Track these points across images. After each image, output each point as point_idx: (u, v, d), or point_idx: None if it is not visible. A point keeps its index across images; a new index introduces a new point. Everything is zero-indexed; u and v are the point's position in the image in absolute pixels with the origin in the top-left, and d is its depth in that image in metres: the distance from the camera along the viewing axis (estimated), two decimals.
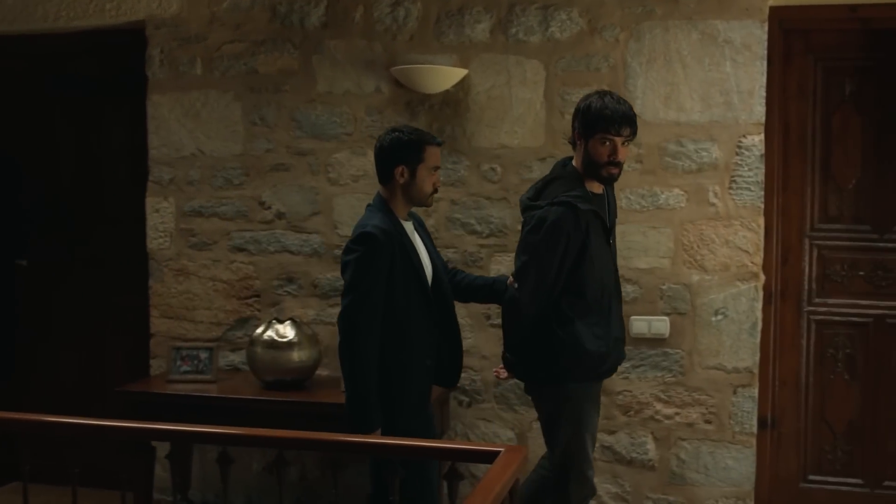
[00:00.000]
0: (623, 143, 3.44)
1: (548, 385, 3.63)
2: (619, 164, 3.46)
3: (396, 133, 3.48)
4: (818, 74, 4.43)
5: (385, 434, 3.39)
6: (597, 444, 4.43)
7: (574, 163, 3.58)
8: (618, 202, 4.34)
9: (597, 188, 3.55)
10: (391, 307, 3.41)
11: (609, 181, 3.53)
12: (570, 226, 3.39)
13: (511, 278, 3.61)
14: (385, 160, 3.49)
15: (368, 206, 3.60)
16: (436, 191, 3.53)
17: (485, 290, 3.81)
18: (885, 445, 4.46)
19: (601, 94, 3.49)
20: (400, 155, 3.44)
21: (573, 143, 3.59)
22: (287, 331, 4.40)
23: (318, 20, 4.67)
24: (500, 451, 3.00)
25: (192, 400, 4.41)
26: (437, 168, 3.51)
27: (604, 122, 3.39)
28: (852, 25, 4.35)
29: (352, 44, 4.62)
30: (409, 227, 3.54)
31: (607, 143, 3.41)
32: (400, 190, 3.47)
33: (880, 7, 4.28)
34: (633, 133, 3.46)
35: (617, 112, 3.39)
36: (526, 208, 3.59)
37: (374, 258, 3.36)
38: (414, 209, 3.64)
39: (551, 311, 3.48)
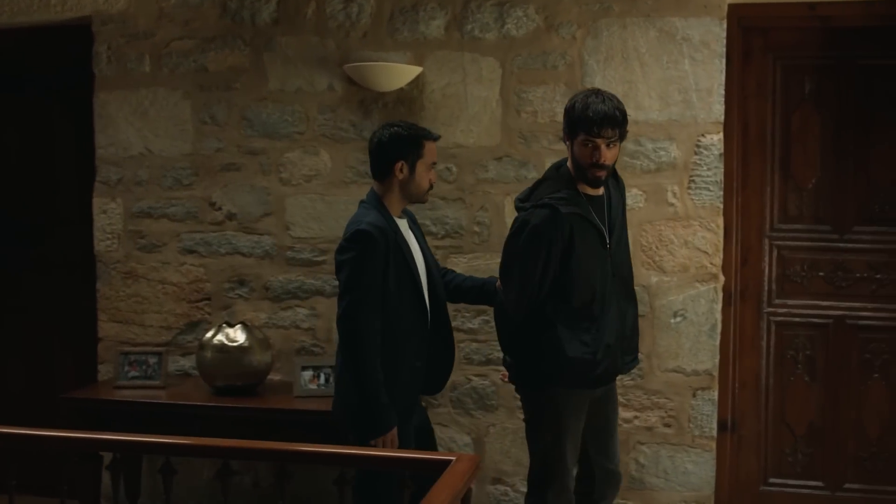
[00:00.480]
0: (608, 145, 3.31)
1: (532, 389, 3.55)
2: (603, 167, 3.34)
3: (395, 128, 3.43)
4: (777, 73, 4.40)
5: None
6: None
7: (568, 164, 3.49)
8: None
9: (591, 190, 3.43)
10: (384, 306, 3.36)
11: (595, 184, 3.40)
12: (552, 229, 3.31)
13: (499, 281, 3.56)
14: (383, 156, 3.43)
15: (362, 202, 3.53)
16: (431, 187, 3.49)
17: (475, 292, 3.74)
18: (846, 447, 4.43)
19: (587, 93, 3.37)
20: (400, 150, 3.39)
21: (565, 143, 3.50)
22: (238, 335, 4.31)
23: (269, 16, 4.57)
24: (451, 461, 2.92)
25: (140, 406, 4.31)
26: (434, 164, 3.47)
27: (585, 123, 3.29)
28: (811, 24, 4.32)
29: (304, 41, 4.53)
30: (403, 224, 3.50)
31: (589, 144, 3.31)
32: (398, 186, 3.43)
33: (839, 5, 4.25)
34: (620, 134, 3.33)
35: (598, 113, 3.26)
36: (517, 210, 3.52)
37: (370, 256, 3.31)
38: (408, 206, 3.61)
39: (536, 314, 3.40)
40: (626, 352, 3.54)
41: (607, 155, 3.33)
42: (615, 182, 3.56)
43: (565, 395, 3.45)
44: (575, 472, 3.60)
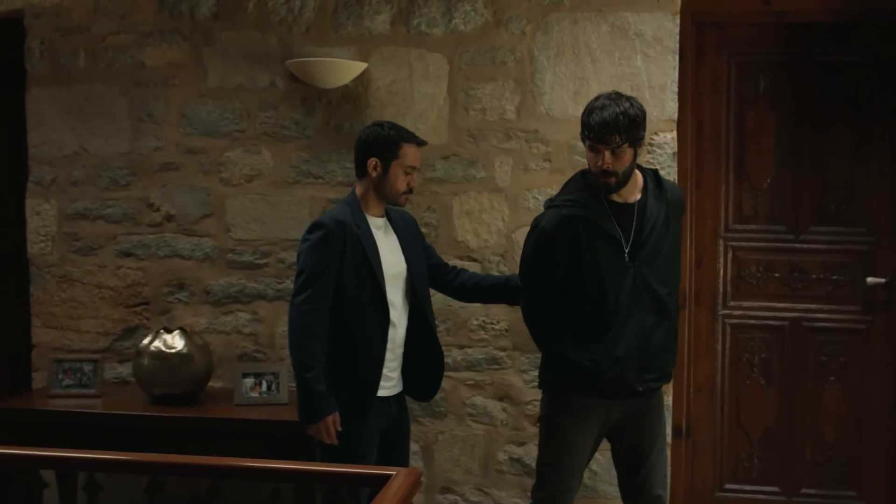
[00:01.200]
0: (613, 152, 3.15)
1: (543, 390, 3.50)
2: (609, 174, 3.18)
3: (377, 127, 3.45)
4: (732, 70, 4.36)
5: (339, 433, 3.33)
6: (505, 457, 4.29)
7: None
8: (526, 203, 4.18)
9: (620, 197, 3.27)
10: (339, 303, 3.35)
11: (605, 191, 3.25)
12: (556, 230, 3.26)
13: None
14: (360, 152, 3.45)
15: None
16: (410, 191, 3.46)
17: (498, 290, 3.72)
18: (802, 452, 4.40)
19: (601, 96, 3.23)
20: (375, 148, 3.40)
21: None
22: (176, 341, 4.19)
23: (208, 10, 4.44)
24: (390, 475, 2.79)
25: (75, 416, 4.16)
26: (413, 168, 3.44)
27: (587, 129, 3.19)
28: (766, 19, 4.29)
29: (244, 35, 4.41)
30: (379, 223, 3.47)
31: (594, 151, 3.19)
32: (372, 185, 3.43)
33: (793, 0, 4.21)
34: (628, 140, 3.16)
35: (598, 120, 3.13)
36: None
37: (322, 246, 3.32)
38: (400, 209, 3.60)
39: (549, 315, 3.37)
40: (647, 369, 3.32)
41: (612, 162, 3.17)
42: (658, 192, 3.33)
43: (567, 400, 3.38)
44: (576, 484, 3.48)
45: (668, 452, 3.67)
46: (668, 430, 4.17)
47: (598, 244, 3.24)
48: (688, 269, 4.34)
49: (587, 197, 3.27)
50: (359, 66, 4.25)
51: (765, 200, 4.35)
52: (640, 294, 3.26)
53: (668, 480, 3.54)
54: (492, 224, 4.27)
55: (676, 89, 4.15)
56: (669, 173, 4.15)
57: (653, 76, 4.14)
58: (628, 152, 3.18)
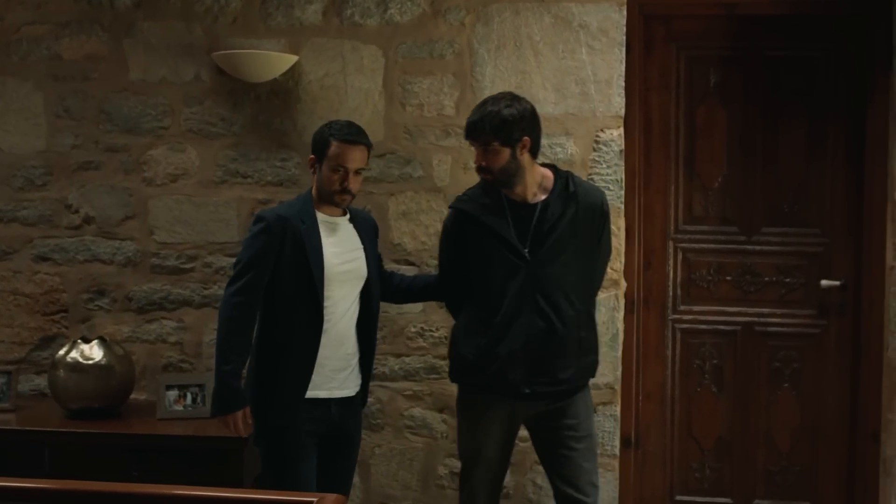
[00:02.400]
0: (485, 151, 3.26)
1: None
2: (486, 171, 3.29)
3: (324, 125, 3.44)
4: (681, 64, 4.27)
5: (258, 429, 3.37)
6: (446, 471, 4.17)
7: None
8: None
9: (518, 195, 3.33)
10: (273, 297, 3.34)
11: (489, 186, 3.36)
12: (449, 224, 3.44)
13: None
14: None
15: None
16: (344, 191, 3.35)
17: (429, 290, 3.73)
18: (755, 461, 4.33)
19: (489, 96, 3.37)
20: (313, 145, 3.41)
21: None
22: (94, 351, 4.04)
23: (129, 0, 4.26)
24: (312, 502, 2.59)
25: None
26: (341, 167, 3.33)
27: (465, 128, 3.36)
28: (716, 11, 4.20)
29: (168, 26, 4.26)
30: (332, 220, 3.42)
31: (474, 148, 3.33)
32: (315, 183, 3.44)
33: None
34: (495, 139, 3.24)
35: (470, 119, 3.30)
36: None
37: (258, 238, 3.32)
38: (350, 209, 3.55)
39: (455, 307, 3.53)
40: (538, 373, 3.30)
41: (485, 159, 3.28)
42: (566, 194, 3.34)
43: (465, 392, 3.47)
44: (484, 483, 3.48)
45: (598, 454, 3.56)
46: (616, 442, 4.15)
47: (486, 241, 3.31)
48: (636, 272, 4.26)
49: (481, 193, 3.37)
50: (289, 59, 4.12)
51: (716, 200, 4.27)
52: (531, 296, 3.29)
53: (598, 489, 3.48)
54: (430, 226, 4.14)
55: (623, 84, 4.05)
56: (616, 172, 4.05)
57: (598, 70, 4.04)
58: (502, 151, 3.25)
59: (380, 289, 3.56)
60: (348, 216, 3.47)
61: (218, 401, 3.34)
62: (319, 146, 3.36)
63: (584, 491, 3.40)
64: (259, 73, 4.08)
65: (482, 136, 3.24)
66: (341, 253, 3.39)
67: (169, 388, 4.05)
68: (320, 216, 3.38)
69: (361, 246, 3.46)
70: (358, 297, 3.44)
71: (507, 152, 3.24)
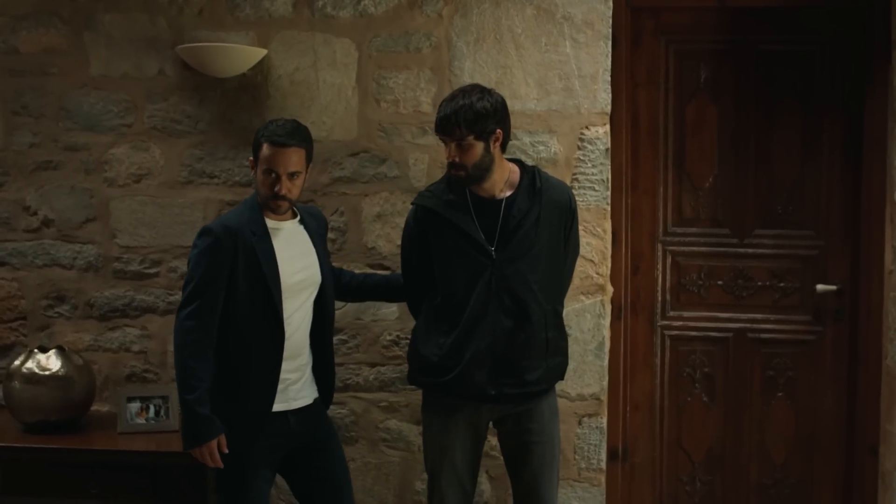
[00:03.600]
0: (459, 145, 3.21)
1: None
2: (459, 167, 3.23)
3: (267, 122, 3.33)
4: (670, 58, 4.20)
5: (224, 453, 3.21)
6: (423, 486, 4.06)
7: None
8: None
9: (484, 191, 3.29)
10: (230, 316, 3.22)
11: (458, 183, 3.29)
12: (411, 220, 3.43)
13: None
14: None
15: None
16: (277, 196, 3.22)
17: (381, 289, 3.70)
18: (748, 474, 4.27)
19: (457, 89, 3.30)
20: (252, 147, 3.29)
21: None
22: (51, 362, 3.93)
23: None
24: None
25: None
26: (272, 171, 3.21)
27: (435, 122, 3.28)
28: (708, 3, 4.14)
29: (130, 18, 4.13)
30: (281, 226, 3.31)
31: (444, 143, 3.27)
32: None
33: None
34: (469, 132, 3.19)
35: (442, 112, 3.22)
36: None
37: (210, 254, 3.19)
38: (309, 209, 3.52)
39: (416, 306, 3.49)
40: (503, 374, 3.28)
41: (458, 154, 3.22)
42: (532, 190, 3.32)
43: (427, 395, 3.45)
44: (453, 496, 3.42)
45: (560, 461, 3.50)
46: (602, 455, 4.04)
47: (450, 238, 3.29)
48: (623, 276, 4.18)
49: (444, 189, 3.34)
50: (258, 53, 4.01)
51: (706, 201, 4.20)
52: (497, 294, 3.26)
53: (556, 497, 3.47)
54: None
55: (609, 79, 3.95)
56: (602, 172, 3.96)
57: (583, 64, 3.94)
58: (476, 145, 3.21)
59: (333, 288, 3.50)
60: (298, 217, 3.37)
61: (188, 433, 3.19)
62: (254, 147, 3.25)
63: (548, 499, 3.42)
64: (226, 67, 3.97)
65: (456, 131, 3.18)
66: (295, 261, 3.30)
67: (130, 400, 3.93)
68: (270, 223, 3.28)
69: (314, 250, 3.38)
70: (312, 303, 3.36)
71: (481, 146, 3.21)
